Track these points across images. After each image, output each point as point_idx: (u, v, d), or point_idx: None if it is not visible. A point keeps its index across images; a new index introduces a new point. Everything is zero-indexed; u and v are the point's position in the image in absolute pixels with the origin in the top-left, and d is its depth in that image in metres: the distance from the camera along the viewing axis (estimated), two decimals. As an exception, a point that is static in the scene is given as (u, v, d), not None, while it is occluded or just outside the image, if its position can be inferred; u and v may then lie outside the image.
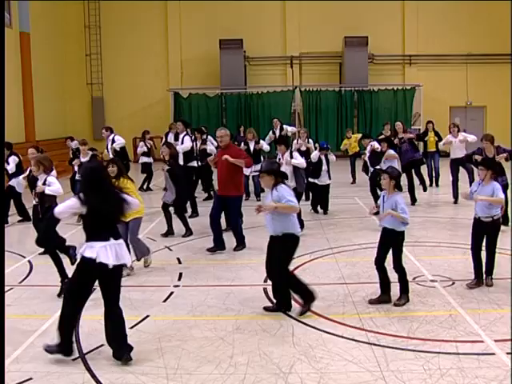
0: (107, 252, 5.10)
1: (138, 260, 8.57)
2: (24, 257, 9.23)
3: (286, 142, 11.19)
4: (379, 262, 6.65)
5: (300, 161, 10.25)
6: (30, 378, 4.96)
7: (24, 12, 21.47)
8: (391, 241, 6.57)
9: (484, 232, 7.12)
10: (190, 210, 11.87)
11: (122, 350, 5.17)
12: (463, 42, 25.08)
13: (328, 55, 25.79)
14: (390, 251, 6.60)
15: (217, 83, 25.33)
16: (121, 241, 5.30)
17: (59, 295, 6.95)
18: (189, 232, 10.45)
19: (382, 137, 14.32)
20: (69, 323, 5.31)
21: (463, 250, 9.01)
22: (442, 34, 25.21)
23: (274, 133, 16.30)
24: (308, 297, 6.34)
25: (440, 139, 17.17)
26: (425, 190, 14.26)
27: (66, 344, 5.27)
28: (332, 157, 12.29)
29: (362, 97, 25.45)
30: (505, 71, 24.57)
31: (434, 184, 15.96)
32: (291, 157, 10.21)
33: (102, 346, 5.55)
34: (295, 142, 14.01)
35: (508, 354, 5.17)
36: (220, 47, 24.68)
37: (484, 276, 7.15)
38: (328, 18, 25.37)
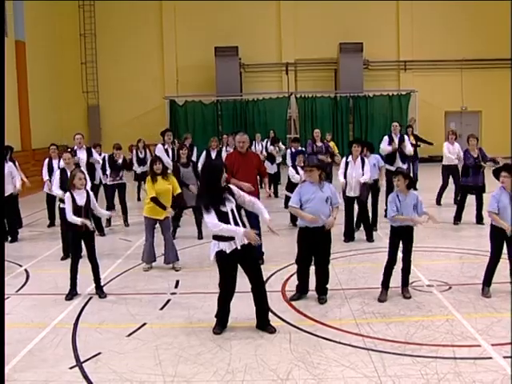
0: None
1: (167, 264, 8.75)
2: (20, 265, 9.22)
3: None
4: (393, 265, 7.09)
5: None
6: (28, 387, 4.96)
7: (19, 21, 21.51)
8: (408, 238, 7.02)
9: (504, 239, 6.84)
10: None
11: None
12: (458, 47, 25.24)
13: (323, 61, 25.90)
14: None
15: (212, 90, 25.40)
16: None
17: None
18: (201, 235, 10.81)
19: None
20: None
21: (459, 255, 9.06)
22: (436, 39, 25.36)
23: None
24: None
25: (418, 144, 17.15)
26: None
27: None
28: None
29: (357, 103, 25.54)
30: (499, 76, 24.72)
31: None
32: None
33: (99, 353, 5.55)
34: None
35: (505, 357, 5.18)
36: (215, 54, 24.76)
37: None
38: (323, 24, 25.50)
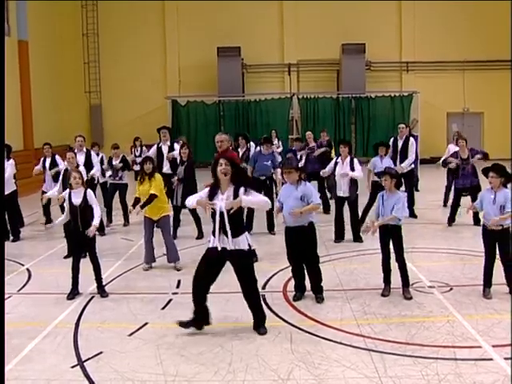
0: None
1: (169, 262, 8.86)
2: (22, 265, 9.24)
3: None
4: (387, 261, 7.28)
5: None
6: (29, 386, 4.97)
7: (22, 21, 21.51)
8: (395, 236, 7.13)
9: (495, 240, 6.90)
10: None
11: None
12: (460, 48, 25.21)
13: (325, 62, 25.88)
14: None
15: (214, 91, 25.40)
16: None
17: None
18: (201, 234, 10.70)
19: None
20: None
21: (460, 256, 9.05)
22: (438, 40, 25.34)
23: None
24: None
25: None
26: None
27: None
28: None
29: (359, 104, 25.51)
30: (501, 77, 24.68)
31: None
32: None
33: (100, 353, 5.57)
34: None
35: (506, 359, 5.19)
36: (218, 55, 24.75)
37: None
38: (325, 25, 25.49)
